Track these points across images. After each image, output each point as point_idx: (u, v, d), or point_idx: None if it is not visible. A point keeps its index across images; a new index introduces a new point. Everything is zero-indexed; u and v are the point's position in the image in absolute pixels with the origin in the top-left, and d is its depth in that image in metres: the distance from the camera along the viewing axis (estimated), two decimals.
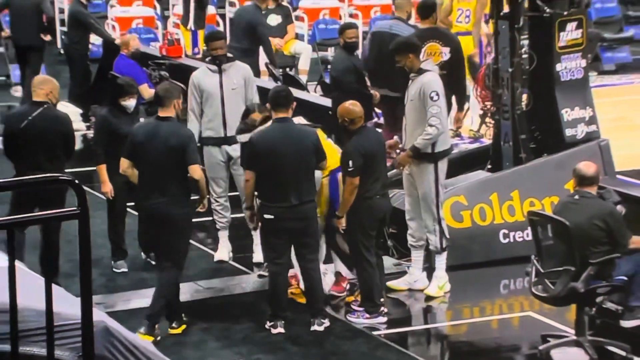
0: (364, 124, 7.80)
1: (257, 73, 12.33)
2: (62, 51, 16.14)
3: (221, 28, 15.98)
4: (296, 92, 11.11)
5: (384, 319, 7.80)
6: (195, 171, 7.42)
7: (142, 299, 7.85)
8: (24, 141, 7.84)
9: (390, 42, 8.94)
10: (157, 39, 15.56)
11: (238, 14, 13.47)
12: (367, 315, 7.79)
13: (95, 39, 14.47)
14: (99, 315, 3.76)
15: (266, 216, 7.56)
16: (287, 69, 14.26)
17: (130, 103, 8.73)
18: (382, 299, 7.85)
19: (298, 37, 14.86)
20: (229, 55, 9.02)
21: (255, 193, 7.71)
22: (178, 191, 7.42)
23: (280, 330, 7.62)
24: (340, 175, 7.87)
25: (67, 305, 3.71)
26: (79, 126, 12.64)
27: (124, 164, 7.60)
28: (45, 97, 7.87)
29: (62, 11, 17.28)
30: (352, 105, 7.82)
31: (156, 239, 7.54)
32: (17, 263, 3.44)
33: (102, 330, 3.78)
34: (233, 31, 13.21)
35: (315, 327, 7.66)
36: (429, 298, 8.29)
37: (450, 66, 9.92)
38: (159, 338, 7.39)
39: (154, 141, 7.45)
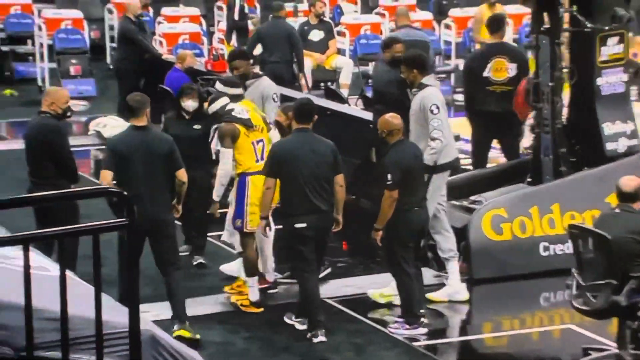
0: (402, 137, 7.80)
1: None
2: (111, 66, 16.32)
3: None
4: (337, 106, 11.19)
5: (424, 330, 7.76)
6: (183, 175, 7.55)
7: (189, 307, 7.88)
8: (25, 148, 7.92)
9: (410, 48, 9.01)
10: (202, 54, 15.69)
11: (271, 27, 13.42)
12: (407, 326, 7.75)
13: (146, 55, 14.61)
14: (146, 324, 3.78)
15: (297, 225, 7.58)
16: (329, 83, 14.31)
17: (189, 104, 8.88)
18: (422, 310, 7.82)
19: (340, 52, 14.91)
20: (255, 72, 9.06)
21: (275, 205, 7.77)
22: (167, 197, 7.53)
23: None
24: (249, 177, 7.96)
25: (116, 314, 3.73)
26: None
27: (108, 176, 7.47)
28: (47, 107, 7.81)
29: (111, 28, 17.49)
30: (392, 118, 7.82)
31: (156, 247, 7.52)
32: (68, 272, 3.47)
33: (149, 338, 3.80)
34: (267, 45, 13.21)
35: (317, 339, 7.60)
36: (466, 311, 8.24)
37: (516, 83, 9.76)
38: (197, 336, 7.40)
39: (140, 150, 7.47)
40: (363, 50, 15.50)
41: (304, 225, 7.56)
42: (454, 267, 8.35)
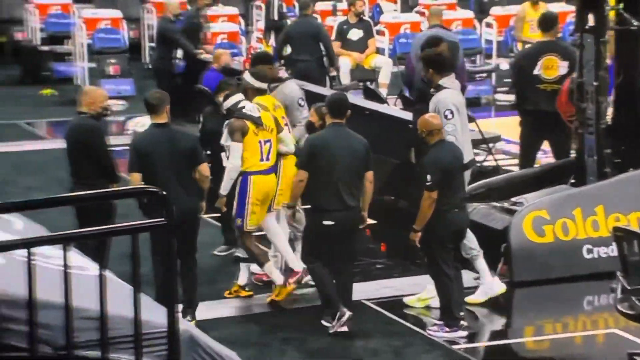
0: (442, 137, 7.77)
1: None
2: (149, 66, 16.42)
3: None
4: (376, 106, 11.16)
5: (464, 333, 7.71)
6: (206, 169, 7.73)
7: (226, 308, 7.90)
8: (66, 149, 7.98)
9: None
10: (240, 53, 15.75)
11: (298, 26, 13.39)
12: (447, 329, 7.71)
13: (180, 54, 14.68)
14: (184, 324, 3.79)
15: (325, 222, 7.63)
16: (368, 83, 14.29)
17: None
18: (461, 313, 7.78)
19: (379, 51, 14.89)
20: (279, 76, 9.08)
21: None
22: (192, 191, 7.66)
23: (345, 328, 7.62)
24: (251, 177, 8.01)
25: (154, 314, 3.75)
26: None
27: (137, 178, 7.56)
28: (86, 107, 7.86)
29: (149, 27, 17.59)
30: (432, 118, 7.80)
31: (181, 240, 7.60)
32: (107, 272, 3.49)
33: (187, 339, 3.81)
34: (296, 44, 13.19)
35: (337, 328, 7.64)
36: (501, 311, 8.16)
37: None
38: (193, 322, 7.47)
39: (163, 147, 7.61)
40: (402, 50, 15.44)
41: (331, 223, 7.62)
42: (481, 264, 8.30)
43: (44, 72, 16.82)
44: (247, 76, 8.60)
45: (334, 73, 13.27)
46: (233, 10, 17.96)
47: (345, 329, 7.64)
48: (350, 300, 7.83)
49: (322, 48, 13.12)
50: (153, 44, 15.31)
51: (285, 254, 8.37)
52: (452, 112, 8.09)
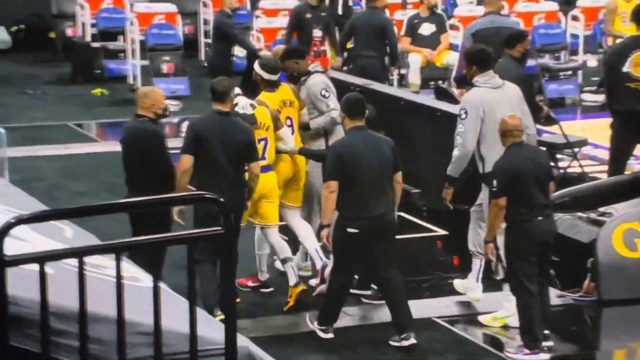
0: (519, 139, 7.71)
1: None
2: (205, 64, 16.55)
3: None
4: (449, 107, 11.13)
5: (547, 356, 7.62)
6: (257, 168, 7.95)
7: (289, 329, 7.92)
8: (122, 154, 8.08)
9: (495, 35, 8.94)
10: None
11: (364, 18, 13.40)
12: (527, 351, 7.62)
13: (239, 51, 14.78)
14: (242, 341, 3.82)
15: (350, 230, 7.74)
16: (439, 82, 14.23)
17: None
18: (545, 332, 7.70)
19: (452, 47, 14.81)
20: (310, 69, 9.17)
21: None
22: (238, 187, 7.85)
23: (331, 335, 7.83)
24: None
25: (211, 329, 3.78)
26: None
27: (188, 160, 7.88)
28: (147, 109, 7.92)
29: (206, 22, 17.74)
30: (510, 118, 7.77)
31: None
32: (161, 284, 3.53)
33: (245, 356, 3.83)
34: (360, 38, 13.20)
35: (402, 343, 7.70)
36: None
37: None
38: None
39: (219, 136, 7.84)
40: None
41: (355, 231, 7.72)
42: (476, 265, 8.39)
43: (95, 70, 17.03)
44: (256, 67, 8.83)
45: (396, 72, 13.25)
46: (294, 3, 18.00)
47: (330, 336, 7.82)
48: (408, 315, 7.82)
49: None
50: (210, 40, 15.41)
51: (262, 259, 8.78)
52: (465, 112, 8.13)
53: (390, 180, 7.82)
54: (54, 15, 18.39)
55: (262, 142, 8.47)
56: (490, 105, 8.18)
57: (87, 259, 3.09)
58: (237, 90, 8.69)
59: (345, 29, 13.60)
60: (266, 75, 8.75)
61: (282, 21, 16.79)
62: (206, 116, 8.21)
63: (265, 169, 8.44)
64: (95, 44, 17.17)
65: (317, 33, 14.00)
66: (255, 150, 8.02)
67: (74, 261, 3.11)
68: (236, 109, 8.48)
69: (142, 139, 7.89)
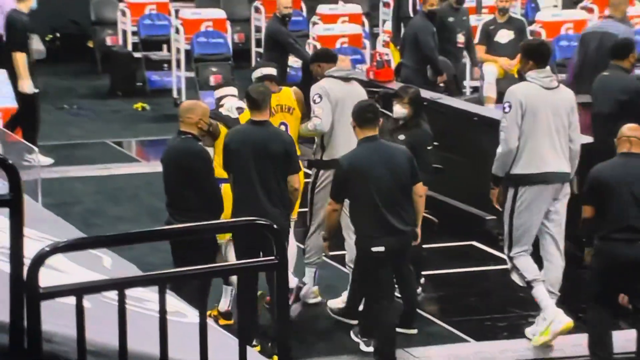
0: (628, 149, 7.69)
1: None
2: None
3: None
4: None
5: None
6: (296, 181, 8.04)
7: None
8: (164, 175, 8.15)
9: (600, 40, 8.90)
10: (364, 60, 15.79)
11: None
12: None
13: (294, 61, 14.82)
14: None
15: (374, 249, 7.82)
16: None
17: (398, 110, 9.27)
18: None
19: None
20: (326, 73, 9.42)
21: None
22: (277, 202, 7.97)
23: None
24: (221, 185, 8.26)
25: None
26: None
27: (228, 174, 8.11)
28: (193, 125, 7.98)
29: (258, 30, 17.80)
30: (627, 129, 7.79)
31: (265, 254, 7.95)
32: (209, 320, 3.53)
33: None
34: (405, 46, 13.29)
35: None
36: None
37: None
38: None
39: (253, 147, 7.96)
40: (563, 55, 15.22)
41: (381, 249, 7.81)
42: (539, 291, 8.37)
43: (137, 82, 17.16)
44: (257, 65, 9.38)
45: (441, 83, 13.21)
46: (356, 8, 18.03)
47: None
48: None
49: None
50: (262, 50, 15.47)
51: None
52: (509, 106, 8.24)
53: (409, 194, 7.92)
54: (92, 23, 18.53)
55: None
56: (534, 104, 8.27)
57: (128, 292, 3.11)
58: (231, 91, 9.06)
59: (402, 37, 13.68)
60: (254, 73, 9.24)
61: (342, 28, 16.82)
62: (239, 127, 8.35)
63: None
64: (137, 54, 17.31)
65: (459, 39, 14.03)
66: (295, 161, 8.15)
67: (113, 294, 3.13)
68: (220, 109, 8.81)
69: (185, 158, 7.95)
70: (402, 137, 9.12)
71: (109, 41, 18.22)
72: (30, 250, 3.14)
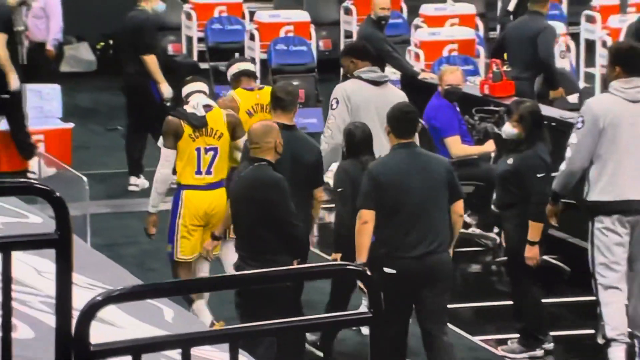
0: None
1: None
2: None
3: (572, 53, 15.97)
4: None
5: None
6: (322, 195, 8.49)
7: None
8: (233, 211, 8.29)
9: None
10: (477, 71, 15.73)
11: (516, 27, 13.51)
12: None
13: (391, 73, 14.84)
14: None
15: (387, 270, 8.01)
16: None
17: (507, 129, 9.46)
18: None
19: None
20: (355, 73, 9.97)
21: None
22: (301, 216, 8.26)
23: None
24: (183, 192, 9.13)
25: None
26: None
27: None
28: (270, 151, 8.10)
29: (348, 35, 17.82)
30: None
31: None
32: None
33: None
34: (509, 52, 13.31)
35: None
36: None
37: None
38: None
39: (285, 156, 8.26)
40: None
41: (392, 272, 8.03)
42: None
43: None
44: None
45: (556, 96, 13.15)
46: (467, 8, 17.94)
47: None
48: None
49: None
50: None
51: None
52: (582, 122, 8.48)
53: (443, 211, 8.11)
54: None
55: (210, 154, 9.10)
56: (617, 121, 8.35)
57: (194, 351, 3.15)
58: (200, 86, 9.50)
59: (495, 42, 13.63)
60: (229, 70, 9.98)
61: (451, 32, 16.75)
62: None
63: (210, 187, 9.09)
64: (204, 65, 17.42)
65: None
66: (322, 174, 8.58)
67: (177, 353, 3.17)
68: (185, 107, 9.28)
69: (260, 190, 8.02)
70: (510, 160, 9.27)
71: (170, 49, 18.37)
72: (78, 300, 3.19)
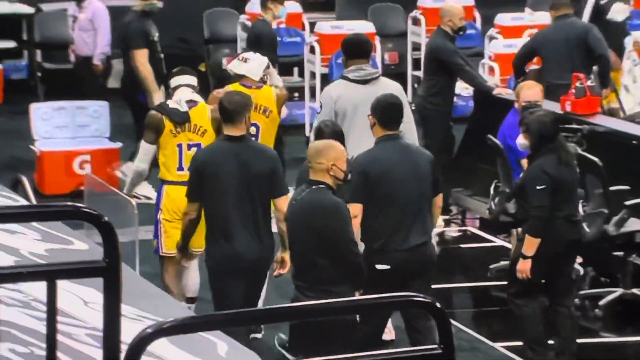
0: None
1: None
2: (413, 107, 16.66)
3: None
4: None
5: None
6: (283, 205, 8.56)
7: None
8: (289, 238, 8.39)
9: None
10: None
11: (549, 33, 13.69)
12: None
13: (463, 88, 14.81)
14: None
15: (379, 267, 8.37)
16: None
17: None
18: None
19: None
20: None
21: None
22: (267, 232, 8.69)
23: None
24: (165, 187, 9.79)
25: None
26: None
27: (193, 208, 8.84)
28: (324, 174, 8.06)
29: (416, 47, 17.80)
30: None
31: (251, 293, 8.82)
32: None
33: None
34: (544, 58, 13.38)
35: None
36: None
37: None
38: None
39: (231, 167, 8.63)
40: None
41: (386, 267, 8.43)
42: None
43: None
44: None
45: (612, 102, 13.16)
46: (547, 17, 17.75)
47: None
48: None
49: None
50: (421, 73, 15.50)
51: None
52: None
53: (429, 202, 8.62)
54: (205, 41, 18.74)
55: (194, 149, 9.56)
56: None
57: None
58: (187, 80, 9.96)
59: (521, 50, 13.69)
60: (238, 69, 10.40)
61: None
62: (211, 146, 9.13)
63: None
64: None
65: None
66: (281, 182, 8.78)
67: None
68: (168, 101, 9.80)
69: (318, 216, 8.02)
70: (522, 174, 9.76)
71: (225, 63, 18.42)
72: (127, 333, 3.22)
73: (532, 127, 9.61)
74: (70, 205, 3.35)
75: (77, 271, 3.25)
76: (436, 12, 14.91)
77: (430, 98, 13.71)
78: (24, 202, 8.40)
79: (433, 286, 8.93)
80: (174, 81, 10.11)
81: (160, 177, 9.97)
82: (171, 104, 9.84)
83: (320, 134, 9.27)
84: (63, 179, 14.15)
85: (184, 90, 9.91)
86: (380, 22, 17.97)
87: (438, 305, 3.50)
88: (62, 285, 3.32)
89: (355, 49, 10.43)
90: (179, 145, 9.75)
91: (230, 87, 10.30)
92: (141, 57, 13.69)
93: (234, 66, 10.52)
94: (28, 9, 18.52)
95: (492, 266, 11.64)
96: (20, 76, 18.61)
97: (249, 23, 18.05)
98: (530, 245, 9.35)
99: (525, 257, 9.35)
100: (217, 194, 8.75)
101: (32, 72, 18.48)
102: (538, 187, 9.37)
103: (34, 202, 10.63)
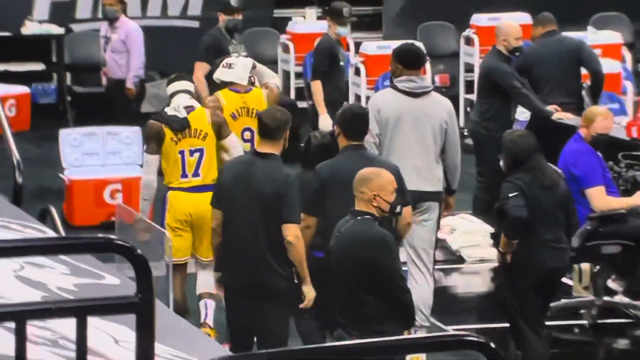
0: None
1: None
2: (465, 132, 16.61)
3: None
4: None
5: None
6: (290, 232, 8.66)
7: None
8: (333, 272, 8.34)
9: None
10: (624, 110, 15.58)
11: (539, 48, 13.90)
12: None
13: (520, 113, 14.76)
14: None
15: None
16: None
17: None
18: None
19: None
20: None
21: None
22: (274, 258, 8.73)
23: None
24: (169, 194, 10.20)
25: None
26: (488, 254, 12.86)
27: (217, 215, 9.03)
28: (369, 204, 8.08)
29: (469, 69, 17.77)
30: None
31: (254, 320, 8.95)
32: None
33: None
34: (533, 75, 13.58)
35: None
36: None
37: None
38: None
39: (241, 184, 8.85)
40: None
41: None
42: None
43: (300, 143, 17.22)
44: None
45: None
46: (612, 37, 17.76)
47: None
48: None
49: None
50: (474, 97, 15.45)
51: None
52: None
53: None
54: None
55: (196, 155, 9.95)
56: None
57: None
58: (185, 85, 10.31)
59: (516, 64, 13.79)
60: (226, 76, 10.90)
61: None
62: (236, 159, 9.52)
63: (201, 189, 9.92)
64: (302, 104, 17.48)
65: None
66: (290, 206, 8.78)
67: None
68: (166, 109, 10.13)
69: (363, 248, 8.01)
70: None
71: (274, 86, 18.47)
72: None
73: (507, 148, 9.88)
74: (101, 237, 3.35)
75: (109, 307, 3.25)
76: (491, 31, 14.87)
77: (484, 123, 13.69)
78: (52, 233, 8.42)
79: (487, 325, 8.88)
80: (171, 88, 10.45)
81: (164, 184, 10.33)
82: (169, 111, 10.21)
83: (307, 144, 9.62)
84: (93, 209, 14.18)
85: (181, 96, 10.27)
86: (430, 41, 17.98)
87: (492, 345, 3.50)
88: (92, 322, 3.32)
89: (408, 59, 10.55)
90: (181, 152, 10.14)
91: (220, 93, 10.77)
92: (198, 70, 13.84)
93: (219, 74, 10.90)
94: (57, 30, 18.60)
95: (552, 304, 11.52)
96: (48, 100, 18.71)
97: (291, 44, 18.11)
98: (506, 245, 9.71)
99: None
100: (227, 207, 9.04)
101: (61, 96, 18.57)
102: (511, 195, 9.65)
103: (62, 233, 10.65)
